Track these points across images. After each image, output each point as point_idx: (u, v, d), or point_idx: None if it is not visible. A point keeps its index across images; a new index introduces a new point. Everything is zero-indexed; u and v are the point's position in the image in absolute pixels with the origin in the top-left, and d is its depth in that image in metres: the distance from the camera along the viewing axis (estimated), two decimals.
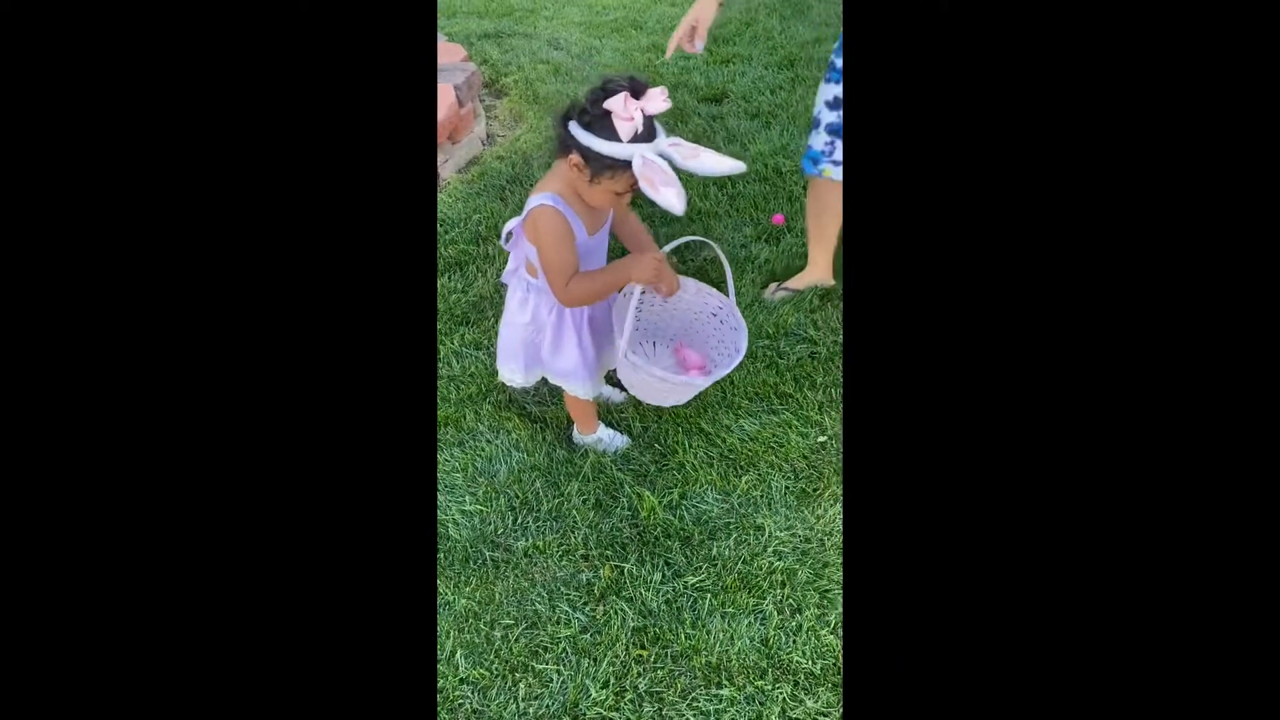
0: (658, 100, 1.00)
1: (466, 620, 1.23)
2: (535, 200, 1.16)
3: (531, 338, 1.33)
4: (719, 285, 1.41)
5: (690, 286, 1.33)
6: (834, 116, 1.59)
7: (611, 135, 1.01)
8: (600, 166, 1.04)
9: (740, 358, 1.19)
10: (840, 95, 1.56)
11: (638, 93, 1.00)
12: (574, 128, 1.05)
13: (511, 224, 1.23)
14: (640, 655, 1.17)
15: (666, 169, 0.99)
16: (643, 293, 1.32)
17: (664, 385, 1.19)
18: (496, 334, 1.74)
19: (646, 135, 1.02)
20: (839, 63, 1.55)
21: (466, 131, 2.47)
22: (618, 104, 0.98)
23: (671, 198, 0.97)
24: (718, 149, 1.26)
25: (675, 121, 2.55)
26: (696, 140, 2.51)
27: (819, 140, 1.63)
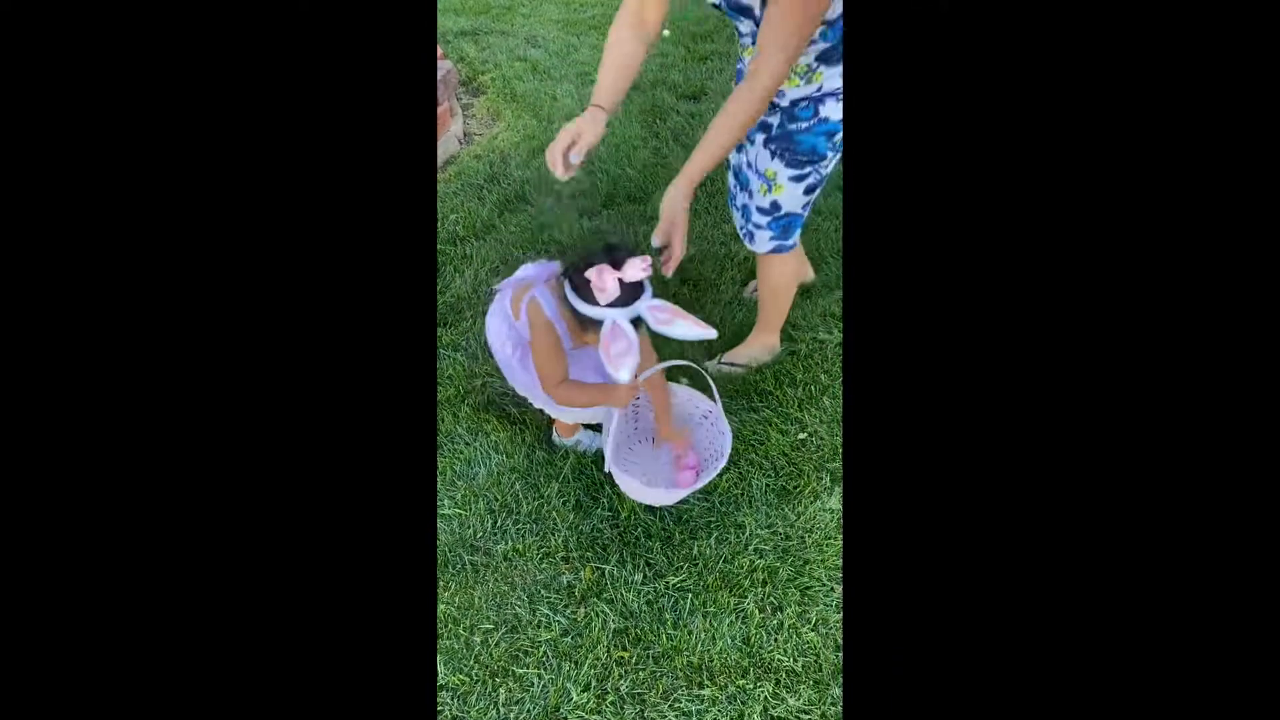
0: (636, 269, 1.09)
1: (446, 625, 1.21)
2: (540, 288, 1.23)
3: (506, 365, 1.40)
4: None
5: (682, 394, 1.46)
6: (735, 159, 1.46)
7: (592, 299, 1.10)
8: (586, 321, 1.14)
9: (724, 463, 1.28)
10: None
11: (617, 264, 1.09)
12: (566, 287, 1.15)
13: (525, 273, 1.31)
14: (622, 657, 1.17)
15: (631, 338, 1.07)
16: (636, 400, 1.46)
17: (646, 491, 1.30)
18: (474, 335, 1.73)
19: (628, 298, 1.10)
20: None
21: (443, 130, 2.44)
22: (595, 275, 1.08)
23: (622, 371, 1.05)
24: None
25: (654, 119, 2.54)
26: (675, 136, 2.49)
27: (730, 179, 1.53)
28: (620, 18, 1.21)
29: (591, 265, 1.09)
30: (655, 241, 1.15)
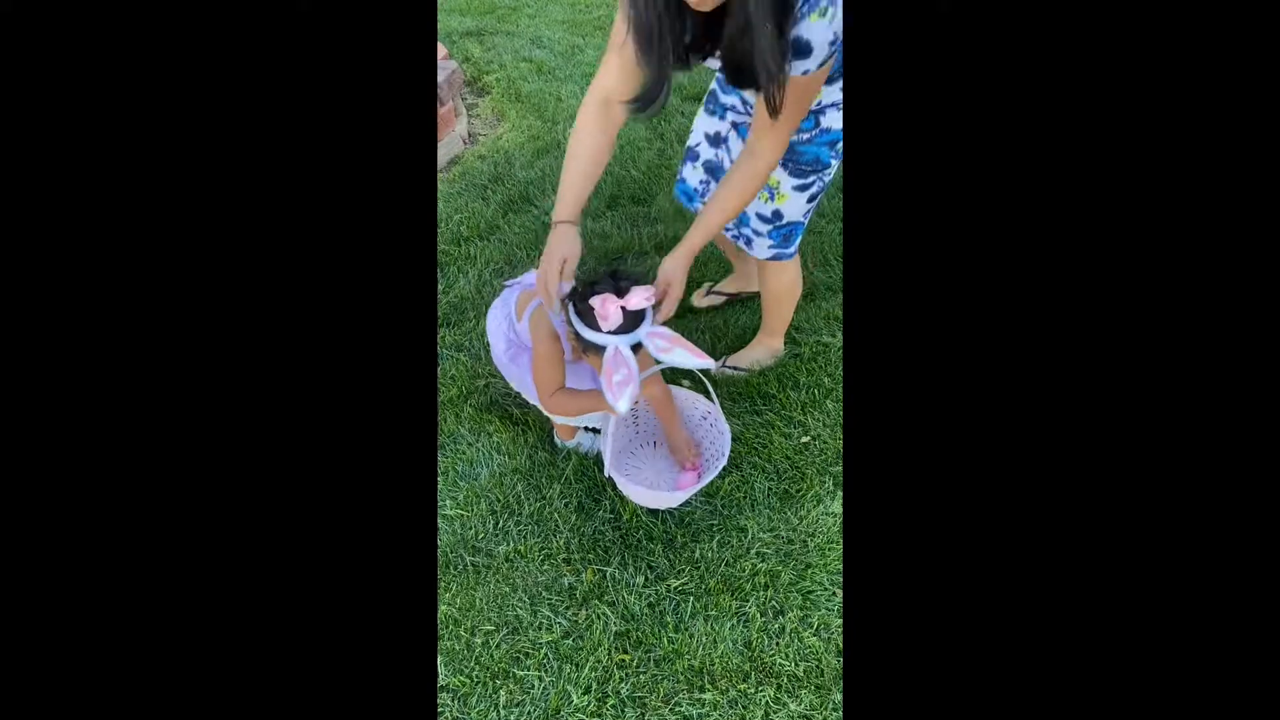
0: (639, 298, 1.10)
1: (446, 626, 1.21)
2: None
3: (497, 358, 1.42)
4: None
5: (681, 395, 1.47)
6: (712, 154, 1.44)
7: (595, 325, 1.11)
8: (586, 345, 1.15)
9: (723, 463, 1.30)
10: (721, 132, 1.41)
11: (621, 292, 1.11)
12: (570, 310, 1.16)
13: (533, 279, 1.32)
14: (623, 660, 1.16)
15: (633, 367, 1.08)
16: (634, 404, 1.47)
17: (647, 495, 1.32)
18: (478, 336, 1.73)
19: (630, 325, 1.11)
20: (722, 96, 1.39)
21: (447, 130, 2.44)
22: (598, 303, 1.09)
23: (621, 400, 1.06)
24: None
25: (658, 120, 2.54)
26: (679, 138, 2.49)
27: (694, 176, 1.49)
28: (586, 107, 1.17)
29: (596, 293, 1.10)
30: (654, 300, 1.18)
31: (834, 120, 1.23)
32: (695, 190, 1.50)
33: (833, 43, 0.99)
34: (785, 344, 1.68)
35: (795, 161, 1.29)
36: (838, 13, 0.96)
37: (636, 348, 1.12)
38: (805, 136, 1.25)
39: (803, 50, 0.98)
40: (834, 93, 1.20)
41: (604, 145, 1.18)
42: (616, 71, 1.12)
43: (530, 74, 2.88)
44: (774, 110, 1.04)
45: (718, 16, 0.96)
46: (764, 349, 1.66)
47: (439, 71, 2.44)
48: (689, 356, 1.11)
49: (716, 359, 1.68)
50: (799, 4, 0.94)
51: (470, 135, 2.58)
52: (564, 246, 1.15)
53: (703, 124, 1.45)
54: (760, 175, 1.16)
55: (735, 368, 1.65)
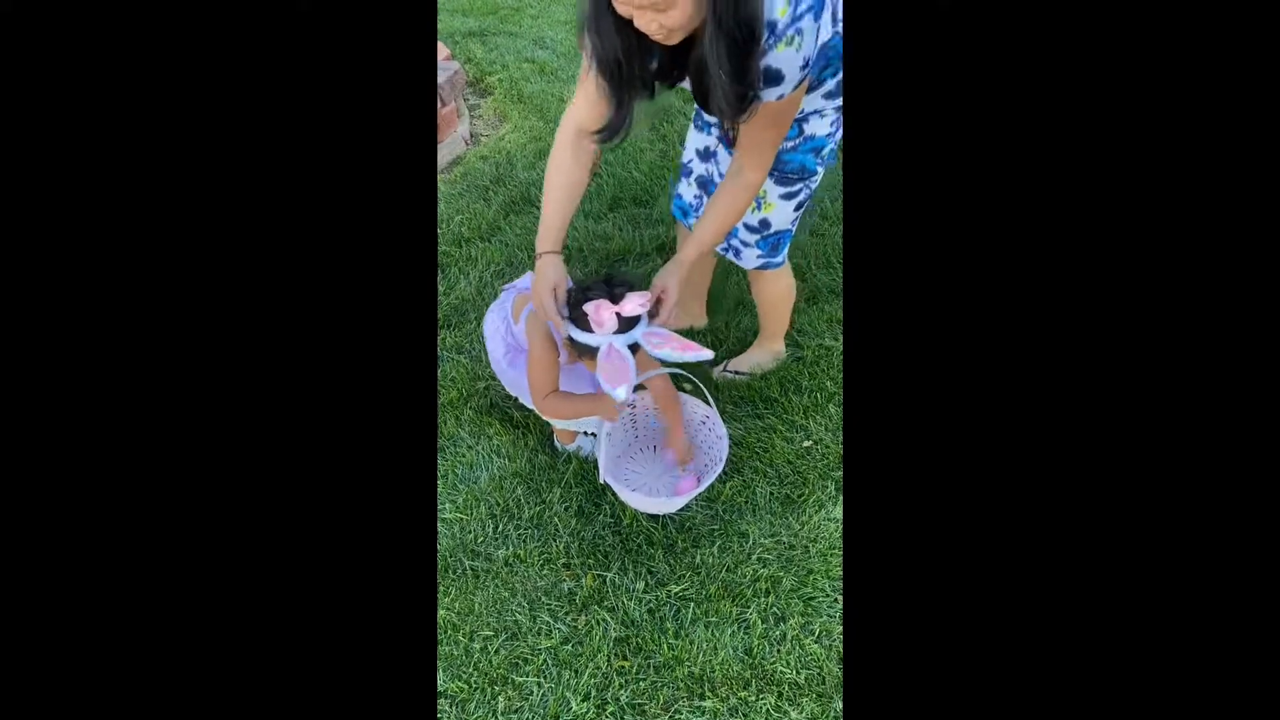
0: (633, 304, 1.10)
1: (445, 632, 1.20)
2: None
3: (495, 362, 1.42)
4: None
5: (680, 399, 1.46)
6: (703, 169, 1.44)
7: (589, 329, 1.11)
8: (581, 349, 1.15)
9: (720, 468, 1.30)
10: (710, 146, 1.41)
11: (616, 298, 1.10)
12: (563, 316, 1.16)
13: (528, 282, 1.33)
14: (622, 666, 1.15)
15: (627, 362, 1.07)
16: (632, 407, 1.49)
17: (643, 501, 1.32)
18: (479, 338, 1.72)
19: (625, 326, 1.11)
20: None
21: (449, 131, 2.44)
22: (592, 309, 1.09)
23: (619, 390, 1.06)
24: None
25: (660, 122, 2.53)
26: (681, 139, 2.48)
27: (688, 192, 1.50)
28: (561, 138, 1.18)
29: (590, 298, 1.10)
30: (648, 306, 1.18)
31: (817, 127, 1.23)
32: (690, 206, 1.51)
33: (804, 67, 0.99)
34: (787, 347, 1.67)
35: (781, 170, 1.29)
36: (806, 40, 0.96)
37: (634, 349, 1.12)
38: (790, 145, 1.26)
39: (774, 79, 0.98)
40: (815, 100, 1.19)
41: (580, 174, 1.19)
42: (586, 100, 1.12)
43: (533, 75, 2.87)
44: (730, 143, 1.04)
45: (684, 44, 0.96)
46: (765, 352, 1.65)
47: (441, 72, 2.44)
48: (683, 352, 1.11)
49: (717, 364, 1.67)
50: (765, 37, 0.94)
51: (472, 136, 2.58)
52: (553, 275, 1.17)
53: (693, 140, 1.45)
54: (749, 191, 1.16)
55: (737, 372, 1.64)
